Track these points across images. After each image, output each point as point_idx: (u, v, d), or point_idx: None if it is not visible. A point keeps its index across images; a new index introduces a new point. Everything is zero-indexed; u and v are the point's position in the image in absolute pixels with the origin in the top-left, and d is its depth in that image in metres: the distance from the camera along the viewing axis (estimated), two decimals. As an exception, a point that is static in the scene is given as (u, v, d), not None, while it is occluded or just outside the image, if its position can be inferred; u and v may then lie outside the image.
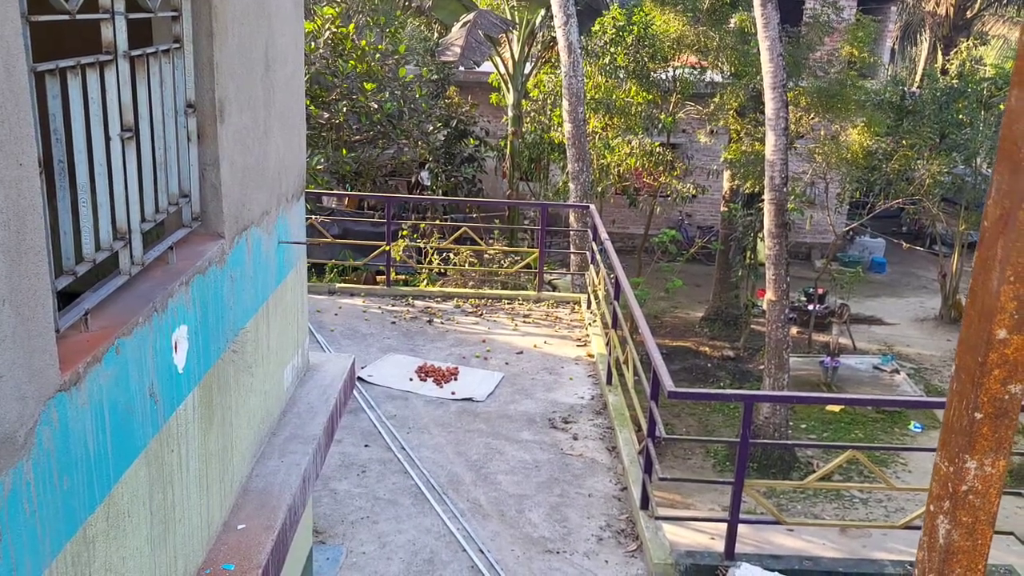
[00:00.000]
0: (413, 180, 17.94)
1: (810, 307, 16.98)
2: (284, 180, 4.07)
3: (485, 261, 11.76)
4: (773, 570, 5.03)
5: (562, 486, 6.13)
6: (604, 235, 8.47)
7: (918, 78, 24.52)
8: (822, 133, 15.85)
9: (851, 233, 21.27)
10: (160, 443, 2.65)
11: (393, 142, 13.63)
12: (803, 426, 13.56)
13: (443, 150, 16.01)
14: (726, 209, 16.66)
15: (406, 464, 6.28)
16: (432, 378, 7.67)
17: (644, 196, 16.82)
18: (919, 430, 13.25)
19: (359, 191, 14.52)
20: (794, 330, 17.47)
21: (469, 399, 7.36)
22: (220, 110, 3.12)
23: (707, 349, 16.42)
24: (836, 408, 14.04)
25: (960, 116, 16.23)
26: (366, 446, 6.52)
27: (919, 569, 1.18)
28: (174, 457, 2.77)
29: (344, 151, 11.86)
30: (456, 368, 7.88)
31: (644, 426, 5.71)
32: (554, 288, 12.93)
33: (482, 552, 5.31)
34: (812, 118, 15.48)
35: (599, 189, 15.68)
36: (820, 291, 17.37)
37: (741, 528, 5.26)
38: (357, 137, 12.66)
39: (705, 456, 12.49)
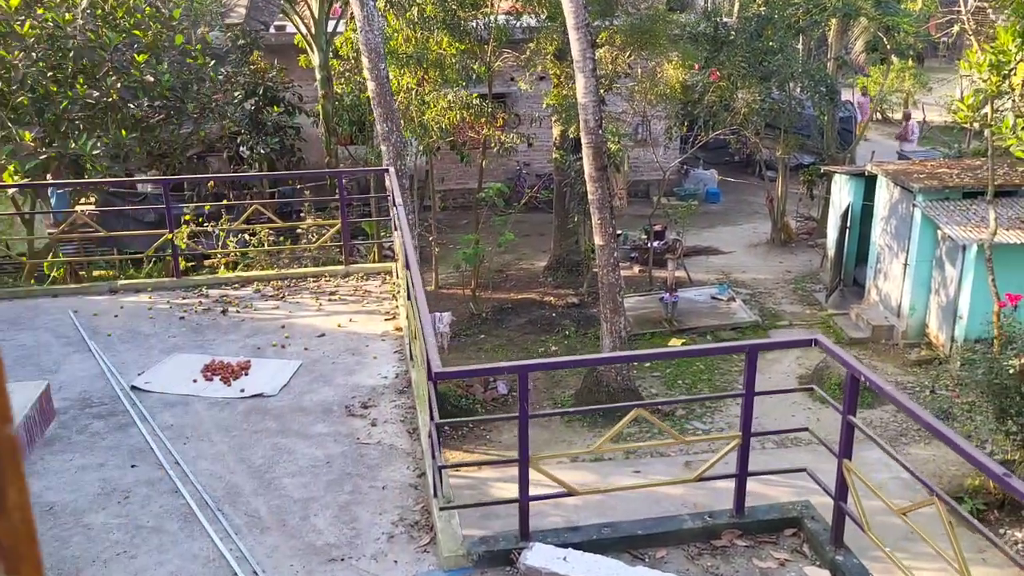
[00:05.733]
0: (232, 155, 16.75)
1: (650, 244, 17.05)
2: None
3: (296, 238, 11.01)
4: (568, 545, 4.72)
5: (354, 481, 5.64)
6: (399, 199, 7.92)
7: (736, 8, 24.91)
8: (639, 71, 15.74)
9: (685, 167, 21.56)
10: None
11: (187, 117, 12.53)
12: (647, 365, 13.61)
13: (249, 120, 14.95)
14: (557, 156, 16.40)
15: (178, 481, 5.61)
16: (219, 376, 6.98)
17: (470, 150, 16.31)
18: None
19: (166, 174, 13.34)
20: (636, 269, 17.55)
21: (260, 395, 6.73)
22: None
23: (552, 298, 16.26)
24: (678, 341, 14.19)
25: (771, 43, 16.46)
26: (133, 466, 5.80)
27: None
28: None
29: (124, 132, 10.73)
30: (248, 362, 7.21)
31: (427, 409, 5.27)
32: (365, 259, 12.33)
33: (255, 573, 4.76)
34: (629, 56, 15.31)
35: (422, 147, 15.08)
36: (659, 227, 17.46)
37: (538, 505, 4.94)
38: (141, 115, 11.52)
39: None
